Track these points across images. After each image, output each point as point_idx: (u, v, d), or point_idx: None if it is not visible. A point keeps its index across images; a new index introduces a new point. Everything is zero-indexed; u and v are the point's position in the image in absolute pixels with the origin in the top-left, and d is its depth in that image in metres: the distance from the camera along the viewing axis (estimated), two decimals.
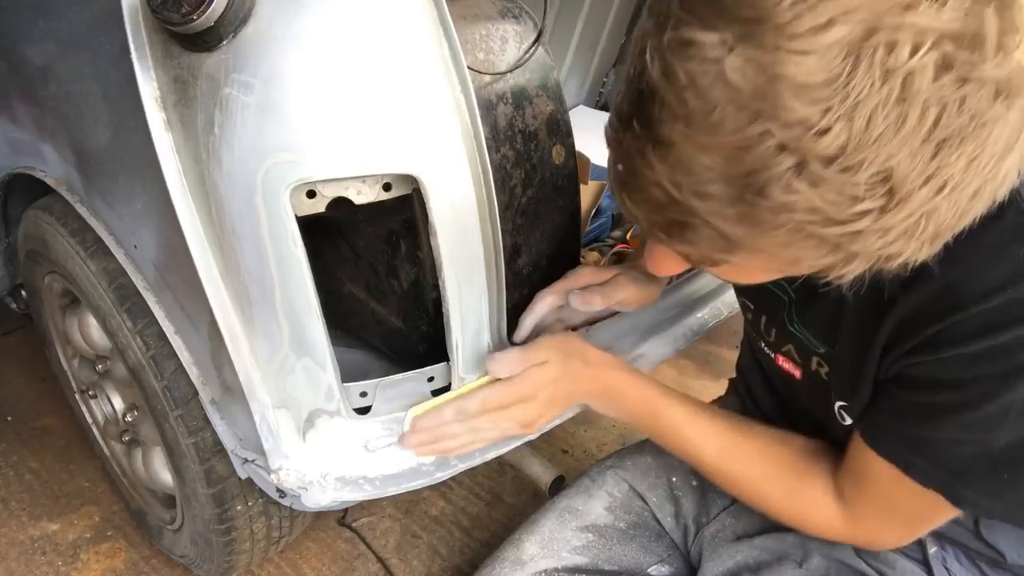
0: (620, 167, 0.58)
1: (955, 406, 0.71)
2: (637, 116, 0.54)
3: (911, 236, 0.53)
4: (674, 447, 0.96)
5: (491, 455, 0.99)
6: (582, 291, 1.02)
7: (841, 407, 0.85)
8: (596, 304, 1.01)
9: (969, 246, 0.63)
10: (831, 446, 0.90)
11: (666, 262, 0.71)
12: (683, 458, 0.96)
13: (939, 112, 0.47)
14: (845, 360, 0.81)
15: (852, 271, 0.57)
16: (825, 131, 0.47)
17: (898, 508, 0.82)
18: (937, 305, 0.68)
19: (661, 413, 0.94)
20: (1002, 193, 0.54)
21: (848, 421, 0.85)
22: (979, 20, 0.45)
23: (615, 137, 0.58)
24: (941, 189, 0.50)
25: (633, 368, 0.98)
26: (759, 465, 0.91)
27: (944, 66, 0.46)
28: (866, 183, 0.49)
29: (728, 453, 0.92)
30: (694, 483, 1.12)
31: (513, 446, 1.00)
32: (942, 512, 0.79)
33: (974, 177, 0.50)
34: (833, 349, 0.84)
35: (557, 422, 1.01)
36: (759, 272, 0.63)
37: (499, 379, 0.92)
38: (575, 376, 0.94)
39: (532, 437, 0.99)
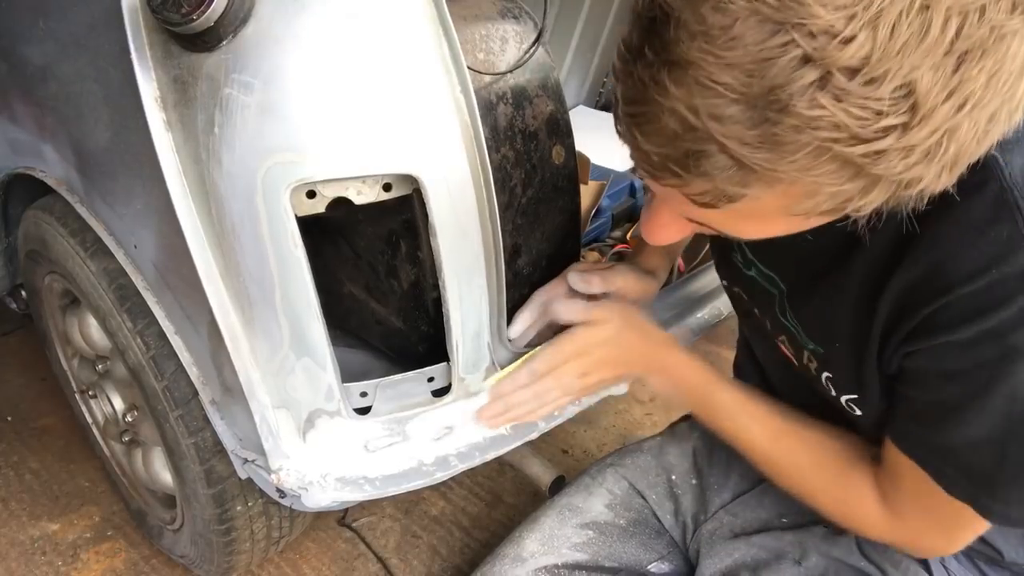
0: (630, 101, 0.57)
1: (961, 400, 0.70)
2: (649, 42, 0.53)
3: (932, 158, 0.52)
4: (725, 431, 0.96)
5: (492, 455, 0.99)
6: (582, 272, 1.02)
7: (850, 400, 0.84)
8: (595, 285, 1.02)
9: (952, 224, 0.62)
10: (871, 443, 0.89)
11: (667, 227, 0.70)
12: (732, 443, 0.96)
13: (960, 21, 0.47)
14: (845, 353, 0.81)
15: (871, 202, 0.56)
16: (849, 40, 0.47)
17: (935, 512, 0.80)
18: (926, 286, 0.68)
19: (714, 397, 0.95)
20: (1017, 119, 0.54)
21: (859, 412, 0.84)
22: None
23: (624, 69, 0.57)
24: (963, 105, 0.50)
25: (689, 350, 0.98)
26: (809, 455, 0.91)
27: None
28: (890, 97, 0.48)
29: (779, 441, 0.92)
30: (693, 481, 1.13)
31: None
32: (981, 520, 0.77)
33: (994, 95, 0.50)
34: (829, 346, 0.83)
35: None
36: (773, 215, 0.61)
37: (547, 349, 0.96)
38: (629, 346, 0.96)
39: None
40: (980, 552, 0.90)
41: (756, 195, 0.57)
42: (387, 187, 0.85)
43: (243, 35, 0.78)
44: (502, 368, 0.99)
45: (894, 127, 0.50)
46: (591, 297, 1.01)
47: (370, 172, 0.82)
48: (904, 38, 0.47)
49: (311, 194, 0.83)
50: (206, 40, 0.78)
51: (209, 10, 0.75)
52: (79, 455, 1.70)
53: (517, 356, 0.99)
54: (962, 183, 0.57)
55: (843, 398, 0.85)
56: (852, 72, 0.48)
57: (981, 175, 0.63)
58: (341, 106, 0.80)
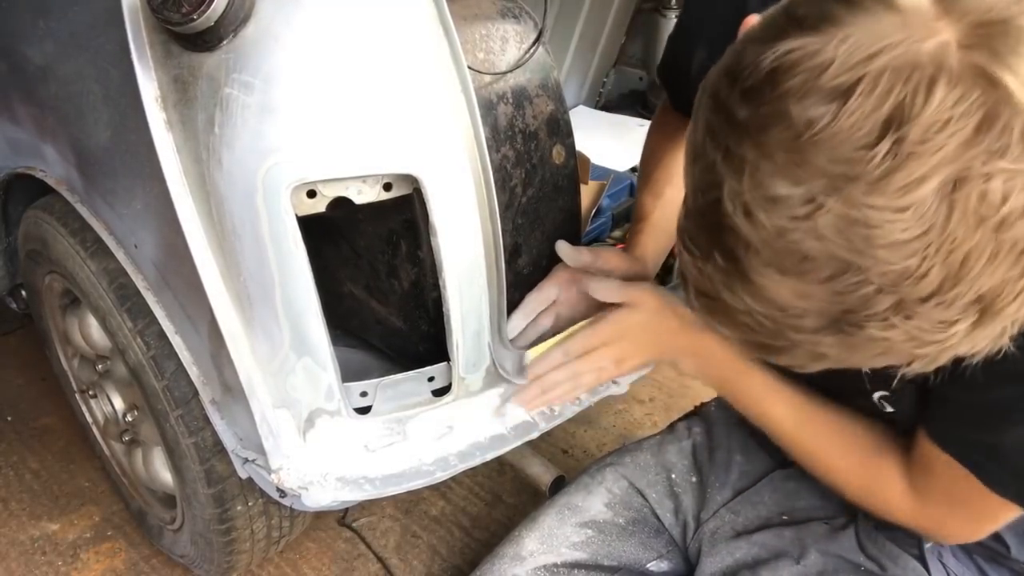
0: (702, 294, 0.57)
1: (1014, 401, 0.71)
2: (719, 249, 0.53)
3: (993, 339, 0.54)
4: (755, 413, 0.97)
5: (492, 455, 0.99)
6: (575, 247, 1.03)
7: (882, 397, 0.85)
8: (585, 258, 1.03)
9: None
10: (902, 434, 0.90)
11: None
12: (762, 424, 0.97)
13: None
14: None
15: (943, 362, 0.57)
16: (923, 276, 0.48)
17: (967, 503, 0.81)
18: None
19: (745, 379, 0.96)
20: None
21: (890, 409, 0.85)
22: None
23: (691, 262, 0.57)
24: None
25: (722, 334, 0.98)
26: (837, 439, 0.92)
27: None
28: (960, 309, 0.50)
29: (808, 424, 0.93)
30: (693, 479, 1.13)
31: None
32: (1012, 511, 0.79)
33: None
34: None
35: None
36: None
37: (583, 331, 0.97)
38: (665, 330, 0.97)
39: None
40: (980, 549, 0.90)
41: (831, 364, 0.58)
42: (387, 187, 0.85)
43: (243, 35, 0.78)
44: (535, 347, 1.00)
45: (963, 328, 0.51)
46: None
47: (370, 172, 0.82)
48: (976, 268, 0.48)
49: (311, 194, 0.83)
50: (206, 40, 0.78)
51: (209, 10, 0.75)
52: (79, 455, 1.70)
53: (534, 344, 1.00)
54: None
55: (876, 395, 0.85)
56: (926, 299, 0.49)
57: None
58: (341, 106, 0.80)
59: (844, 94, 0.46)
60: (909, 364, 0.57)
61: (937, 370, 0.73)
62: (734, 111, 0.50)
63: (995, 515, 0.81)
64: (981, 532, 0.86)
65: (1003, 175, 0.45)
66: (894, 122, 0.45)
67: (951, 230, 0.46)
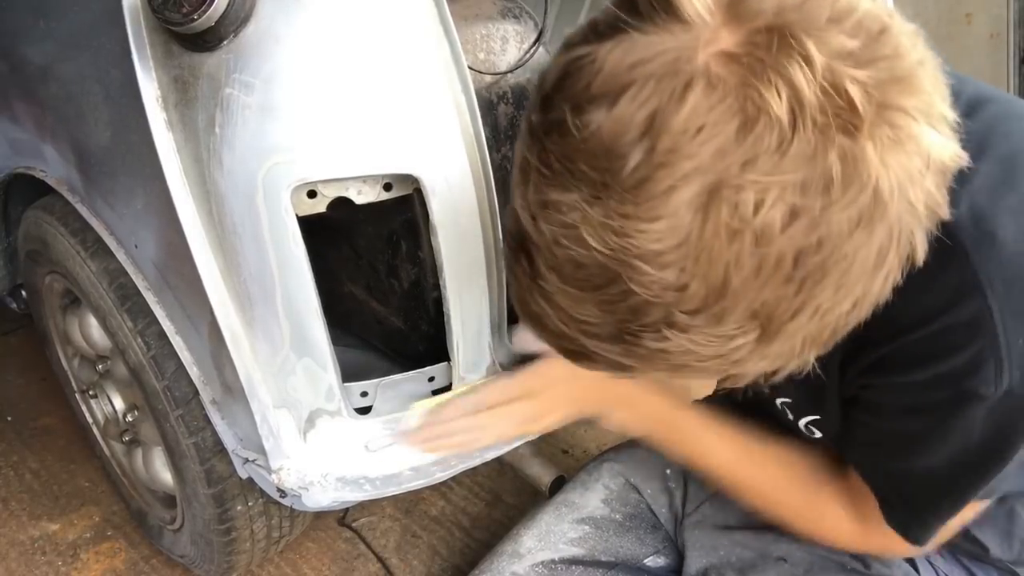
0: (516, 298, 0.57)
1: (918, 432, 0.72)
2: (524, 252, 0.52)
3: (793, 355, 0.52)
4: (690, 457, 0.94)
5: (491, 455, 0.99)
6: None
7: (810, 423, 0.85)
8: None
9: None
10: (839, 458, 0.90)
11: None
12: (699, 467, 0.95)
13: (795, 256, 0.46)
14: (803, 380, 0.81)
15: (751, 377, 0.56)
16: (684, 287, 0.47)
17: None
18: (879, 329, 0.67)
19: (681, 422, 0.93)
20: (892, 282, 0.53)
21: (818, 435, 0.85)
22: (824, 163, 0.44)
23: (508, 265, 0.57)
24: (813, 315, 0.49)
25: (647, 380, 0.96)
26: (776, 474, 0.90)
27: (792, 216, 0.45)
28: (735, 323, 0.49)
29: (745, 461, 0.91)
30: (683, 474, 1.12)
31: (513, 447, 1.00)
32: (947, 526, 0.79)
33: (846, 296, 0.49)
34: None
35: (559, 424, 0.99)
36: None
37: (501, 379, 0.92)
38: (586, 381, 0.92)
39: (532, 436, 0.99)
40: (966, 549, 0.90)
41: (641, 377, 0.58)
42: (388, 187, 0.85)
43: (244, 35, 0.78)
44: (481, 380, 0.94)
45: (746, 343, 0.50)
46: None
47: (371, 172, 0.82)
48: (738, 281, 0.46)
49: (312, 194, 0.83)
50: (207, 40, 0.78)
51: (210, 10, 0.75)
52: (79, 455, 1.70)
53: (518, 357, 0.98)
54: None
55: (802, 421, 0.85)
56: (693, 312, 0.48)
57: None
58: (342, 106, 0.80)
59: (611, 101, 0.45)
60: (724, 380, 0.56)
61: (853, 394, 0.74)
62: (531, 117, 0.51)
63: (931, 533, 0.81)
64: (925, 548, 0.86)
65: (754, 187, 0.44)
66: (649, 129, 0.44)
67: (706, 242, 0.45)
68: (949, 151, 0.49)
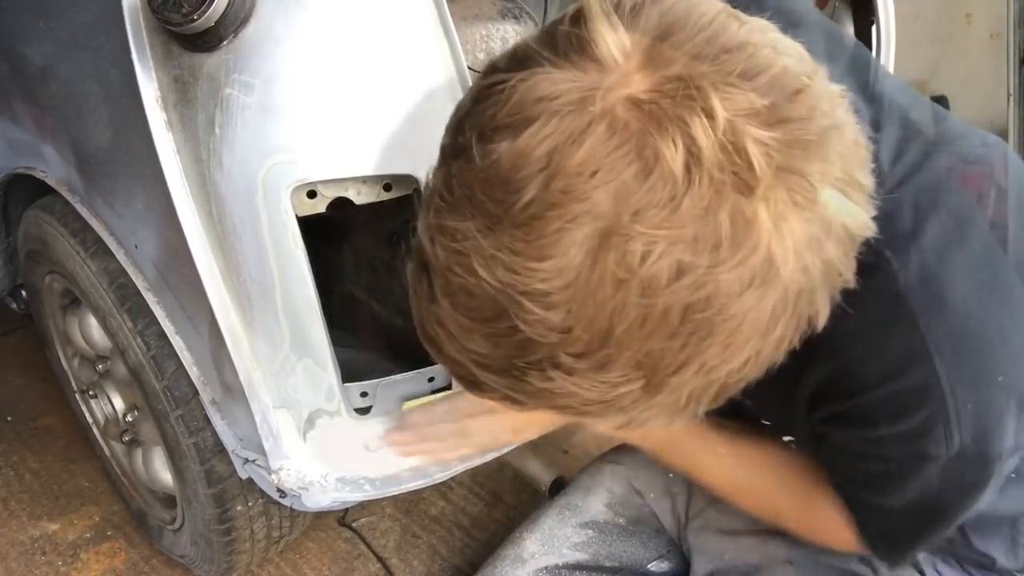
0: (417, 319, 0.55)
1: (879, 477, 0.72)
2: (425, 274, 0.51)
3: (678, 407, 0.51)
4: (682, 463, 0.94)
5: (490, 455, 0.99)
6: None
7: (788, 440, 0.86)
8: None
9: (854, 329, 0.60)
10: None
11: None
12: (691, 474, 0.94)
13: (682, 311, 0.45)
14: (776, 417, 0.82)
15: (644, 424, 0.55)
16: (568, 330, 0.46)
17: None
18: (835, 387, 0.68)
19: (673, 427, 0.91)
20: (781, 355, 0.51)
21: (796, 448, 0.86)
22: (715, 222, 0.43)
23: (411, 281, 0.55)
24: (699, 371, 0.48)
25: None
26: (773, 476, 0.90)
27: (679, 271, 0.44)
28: (619, 371, 0.48)
29: (741, 465, 0.91)
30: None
31: (499, 453, 0.99)
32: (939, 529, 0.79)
33: (734, 355, 0.48)
34: (759, 403, 0.83)
35: (542, 433, 0.98)
36: None
37: None
38: None
39: (515, 445, 0.98)
40: (972, 559, 0.90)
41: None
42: (387, 187, 0.85)
43: (244, 35, 0.78)
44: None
45: (630, 391, 0.49)
46: None
47: (370, 172, 0.82)
48: (622, 329, 0.45)
49: (312, 194, 0.83)
50: (207, 40, 0.78)
51: (210, 10, 0.75)
52: (79, 455, 1.70)
53: None
54: (858, 287, 0.53)
55: (784, 439, 0.86)
56: (577, 356, 0.47)
57: (876, 281, 0.60)
58: (341, 106, 0.80)
59: (515, 133, 0.44)
60: (619, 428, 0.55)
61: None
62: (444, 140, 0.51)
63: (904, 556, 0.82)
64: (915, 553, 0.87)
65: (643, 238, 0.43)
66: (546, 167, 0.43)
67: (593, 288, 0.44)
68: (858, 219, 0.48)
